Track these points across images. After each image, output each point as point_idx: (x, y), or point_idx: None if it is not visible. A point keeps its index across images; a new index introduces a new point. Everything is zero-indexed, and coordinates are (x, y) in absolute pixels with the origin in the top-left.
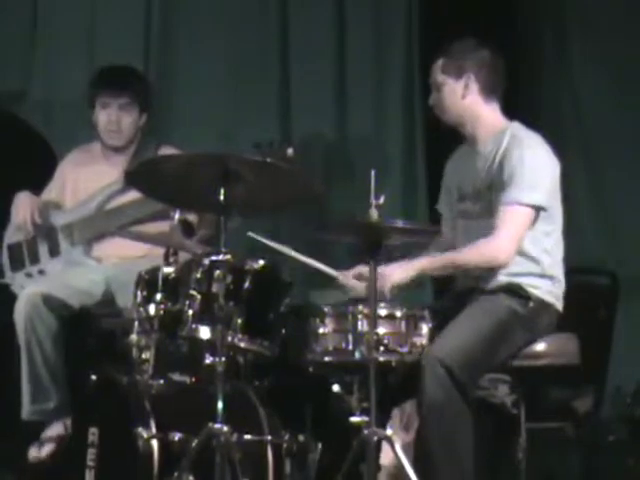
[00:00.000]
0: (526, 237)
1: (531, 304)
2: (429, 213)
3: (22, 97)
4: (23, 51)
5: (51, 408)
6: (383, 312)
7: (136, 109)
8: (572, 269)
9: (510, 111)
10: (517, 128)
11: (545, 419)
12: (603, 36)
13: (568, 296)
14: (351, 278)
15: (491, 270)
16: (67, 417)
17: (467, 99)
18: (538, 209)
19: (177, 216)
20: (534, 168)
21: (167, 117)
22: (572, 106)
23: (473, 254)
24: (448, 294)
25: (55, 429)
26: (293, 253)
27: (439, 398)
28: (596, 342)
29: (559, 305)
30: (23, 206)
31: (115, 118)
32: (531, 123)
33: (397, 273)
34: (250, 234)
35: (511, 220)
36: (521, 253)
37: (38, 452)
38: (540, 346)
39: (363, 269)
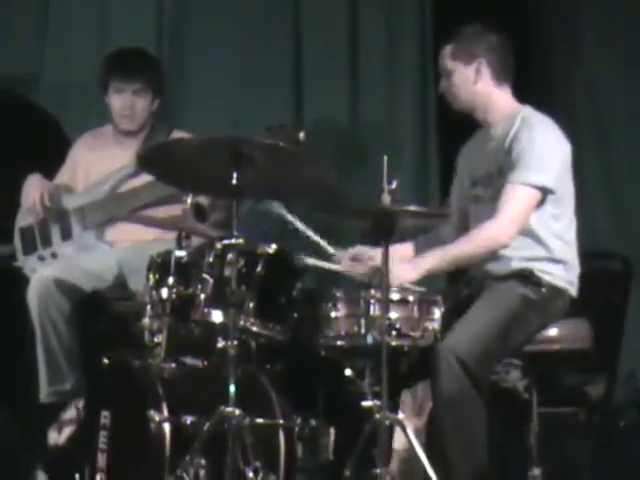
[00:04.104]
0: (535, 220)
1: (543, 290)
2: (440, 197)
3: (35, 82)
4: (36, 36)
5: (68, 389)
6: (395, 297)
7: (149, 94)
8: (584, 254)
9: (523, 96)
10: (528, 111)
11: (557, 404)
12: (617, 20)
13: (580, 281)
14: (347, 259)
15: (496, 252)
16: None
17: (479, 84)
18: (544, 191)
19: (189, 200)
20: (543, 150)
21: (179, 102)
22: (585, 92)
23: (475, 244)
24: (461, 279)
25: (72, 411)
26: (290, 218)
27: (454, 391)
28: (608, 327)
29: (573, 290)
30: (33, 188)
31: (129, 103)
32: (544, 108)
33: (407, 273)
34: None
35: (513, 200)
36: (530, 236)
37: (58, 435)
38: (552, 331)
39: (360, 251)
